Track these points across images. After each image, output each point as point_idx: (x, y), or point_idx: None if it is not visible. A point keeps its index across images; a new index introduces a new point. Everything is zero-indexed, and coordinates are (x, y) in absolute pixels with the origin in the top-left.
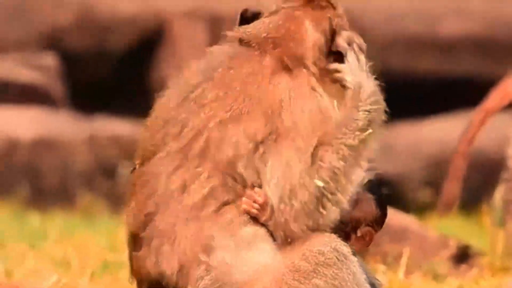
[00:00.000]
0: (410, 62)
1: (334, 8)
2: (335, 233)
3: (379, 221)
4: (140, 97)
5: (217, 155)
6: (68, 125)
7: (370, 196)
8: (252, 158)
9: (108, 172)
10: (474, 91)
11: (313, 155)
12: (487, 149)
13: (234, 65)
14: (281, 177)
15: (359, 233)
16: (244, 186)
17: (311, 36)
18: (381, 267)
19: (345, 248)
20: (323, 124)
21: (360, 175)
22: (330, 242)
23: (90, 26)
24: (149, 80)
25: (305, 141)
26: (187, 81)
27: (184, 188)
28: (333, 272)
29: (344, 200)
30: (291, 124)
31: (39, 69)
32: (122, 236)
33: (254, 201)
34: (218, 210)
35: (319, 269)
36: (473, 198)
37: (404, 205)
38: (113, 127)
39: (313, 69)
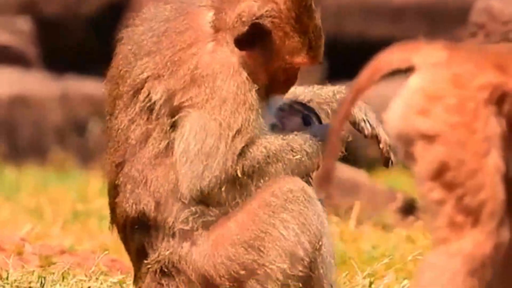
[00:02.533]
0: (363, 27)
1: None
2: None
3: None
4: (110, 58)
5: (157, 113)
6: (42, 85)
7: None
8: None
9: (79, 128)
10: None
11: (234, 140)
12: None
13: (174, 18)
14: (193, 137)
15: None
16: None
17: (244, 3)
18: (334, 219)
19: (311, 190)
20: (246, 109)
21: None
22: (298, 183)
23: None
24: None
25: (228, 118)
26: (133, 33)
27: (142, 141)
28: (300, 209)
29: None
30: (211, 97)
31: (14, 32)
32: (91, 188)
33: None
34: None
35: (287, 205)
36: None
37: (355, 161)
38: (84, 86)
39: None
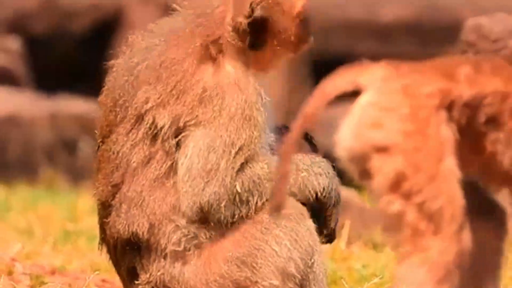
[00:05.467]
0: (350, 45)
1: None
2: None
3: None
4: (99, 77)
5: (162, 138)
6: (31, 104)
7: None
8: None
9: (69, 147)
10: None
11: (236, 156)
12: None
13: (166, 48)
14: (196, 156)
15: None
16: None
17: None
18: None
19: (303, 207)
20: (250, 125)
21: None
22: (290, 200)
23: (52, 11)
24: (107, 61)
25: (231, 136)
26: (127, 64)
27: (145, 163)
28: (292, 225)
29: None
30: (218, 115)
31: (4, 51)
32: (81, 207)
33: None
34: None
35: (279, 221)
36: None
37: (346, 180)
38: (73, 105)
39: (231, 50)
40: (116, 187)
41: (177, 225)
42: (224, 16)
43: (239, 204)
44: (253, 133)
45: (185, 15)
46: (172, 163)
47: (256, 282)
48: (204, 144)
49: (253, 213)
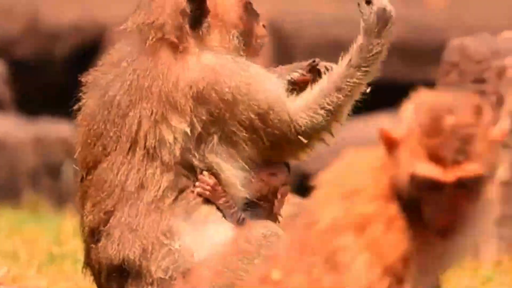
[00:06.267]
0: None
1: None
2: (260, 207)
3: (288, 175)
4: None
5: (163, 155)
6: (15, 128)
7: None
8: (198, 149)
9: (53, 171)
10: (396, 93)
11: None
12: None
13: (136, 64)
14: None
15: (279, 196)
16: (195, 173)
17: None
18: None
19: (280, 230)
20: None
21: None
22: (271, 227)
23: (35, 35)
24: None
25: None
26: (102, 87)
27: (141, 186)
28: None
29: None
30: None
31: None
32: (66, 230)
33: (207, 184)
34: (176, 198)
35: (261, 251)
36: None
37: None
38: (57, 129)
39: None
40: (109, 214)
41: (169, 249)
42: (164, 2)
43: (321, 112)
44: (267, 88)
45: (131, 29)
46: (170, 181)
47: None
48: (265, 98)
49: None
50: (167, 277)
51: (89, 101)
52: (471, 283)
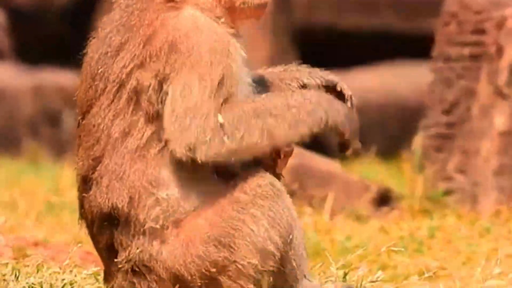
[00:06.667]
0: (334, 17)
1: None
2: (263, 165)
3: None
4: (82, 49)
5: (143, 102)
6: (14, 76)
7: None
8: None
9: (52, 120)
10: (392, 44)
11: (218, 90)
12: (406, 98)
13: (132, 3)
14: (179, 96)
15: (282, 155)
16: None
17: None
18: (308, 210)
19: (280, 184)
20: (224, 58)
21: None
22: (266, 177)
23: None
24: (90, 33)
25: (207, 70)
26: (101, 33)
27: (126, 133)
28: (269, 203)
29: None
30: (189, 55)
31: None
32: (65, 180)
33: None
34: (162, 149)
35: (256, 200)
36: (393, 145)
37: (329, 152)
38: (57, 77)
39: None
40: (97, 161)
41: (157, 199)
42: None
43: (224, 138)
44: (230, 65)
45: None
46: (153, 132)
47: (235, 261)
48: (184, 84)
49: (230, 194)
50: (158, 226)
51: (93, 41)
52: (469, 233)
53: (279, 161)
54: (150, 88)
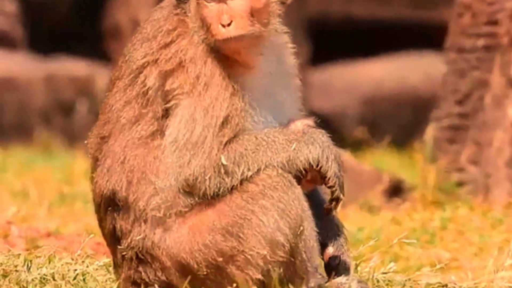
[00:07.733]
0: (348, 9)
1: None
2: None
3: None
4: (95, 40)
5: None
6: (27, 66)
7: None
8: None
9: (65, 109)
10: (405, 35)
11: (222, 129)
12: (418, 88)
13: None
14: (183, 127)
15: (308, 177)
16: None
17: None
18: None
19: (290, 176)
20: (228, 93)
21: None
22: (277, 169)
23: None
24: (103, 24)
25: (212, 105)
26: (144, 23)
27: (133, 122)
28: (279, 195)
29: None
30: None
31: (0, 14)
32: (77, 169)
33: None
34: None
35: (266, 191)
36: (405, 135)
37: (340, 142)
38: (70, 67)
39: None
40: (104, 140)
41: (155, 189)
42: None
43: (224, 177)
44: (236, 103)
45: None
46: (158, 129)
47: (243, 251)
48: (189, 115)
49: (238, 184)
50: (161, 215)
51: (139, 29)
52: (481, 225)
53: (303, 181)
54: (153, 88)
